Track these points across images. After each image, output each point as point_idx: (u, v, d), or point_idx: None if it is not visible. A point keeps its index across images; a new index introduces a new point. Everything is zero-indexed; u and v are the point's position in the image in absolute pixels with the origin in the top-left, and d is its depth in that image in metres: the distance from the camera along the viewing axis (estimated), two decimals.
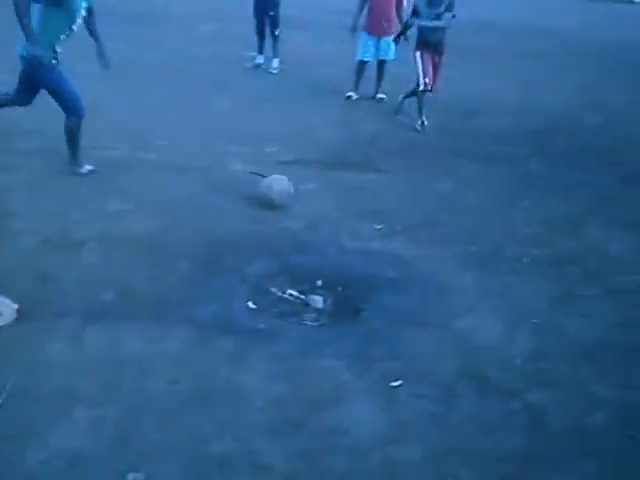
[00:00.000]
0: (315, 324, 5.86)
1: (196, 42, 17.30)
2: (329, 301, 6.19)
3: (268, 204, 7.88)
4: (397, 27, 13.45)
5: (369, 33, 13.61)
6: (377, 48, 13.64)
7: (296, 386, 4.91)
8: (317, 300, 6.15)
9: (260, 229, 7.39)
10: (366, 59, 13.75)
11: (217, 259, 6.62)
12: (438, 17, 11.55)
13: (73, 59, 8.17)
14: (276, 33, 15.54)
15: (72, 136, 8.26)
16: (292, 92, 13.78)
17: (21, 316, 5.39)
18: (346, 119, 12.38)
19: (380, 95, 13.99)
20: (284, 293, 6.24)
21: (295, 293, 6.25)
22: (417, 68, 11.85)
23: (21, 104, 8.34)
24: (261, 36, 15.84)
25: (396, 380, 5.03)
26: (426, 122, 11.91)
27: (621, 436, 4.67)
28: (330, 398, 4.81)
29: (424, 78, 11.83)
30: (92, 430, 4.33)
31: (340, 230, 7.53)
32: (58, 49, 7.82)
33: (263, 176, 8.30)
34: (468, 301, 6.29)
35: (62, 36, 7.77)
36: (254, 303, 6.00)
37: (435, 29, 11.67)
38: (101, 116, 9.27)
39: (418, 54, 11.84)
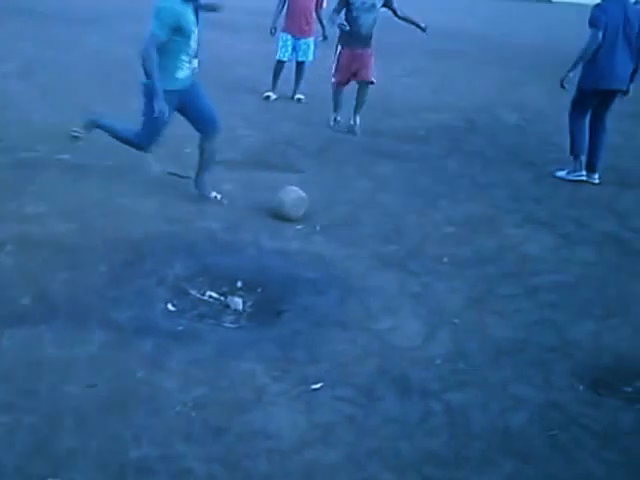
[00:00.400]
0: (235, 326, 5.81)
1: (117, 42, 17.13)
2: (249, 303, 6.15)
3: (287, 216, 7.92)
4: (317, 28, 13.56)
5: (288, 34, 13.65)
6: (296, 49, 13.70)
7: (216, 389, 4.86)
8: (237, 302, 6.11)
9: (179, 230, 7.32)
10: (284, 59, 13.79)
11: (135, 261, 6.54)
12: (373, 7, 11.37)
13: None
14: None
15: (120, 140, 8.24)
16: (211, 92, 13.58)
17: None
18: (265, 119, 12.37)
19: (298, 95, 14.05)
20: (203, 295, 6.19)
21: (215, 295, 6.20)
22: (333, 63, 11.84)
23: (206, 131, 8.33)
24: None
25: (317, 382, 5.01)
26: (339, 119, 11.94)
27: (542, 436, 4.71)
28: (250, 401, 4.77)
29: (333, 76, 11.80)
30: (8, 436, 4.22)
31: (260, 230, 7.50)
32: (182, 73, 7.78)
33: (182, 177, 8.24)
34: (388, 301, 6.31)
35: (183, 57, 7.73)
36: (173, 305, 5.94)
37: (365, 24, 11.43)
38: (19, 116, 9.11)
39: (339, 49, 11.72)
